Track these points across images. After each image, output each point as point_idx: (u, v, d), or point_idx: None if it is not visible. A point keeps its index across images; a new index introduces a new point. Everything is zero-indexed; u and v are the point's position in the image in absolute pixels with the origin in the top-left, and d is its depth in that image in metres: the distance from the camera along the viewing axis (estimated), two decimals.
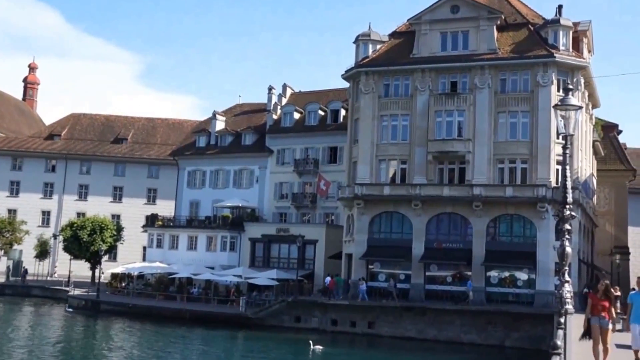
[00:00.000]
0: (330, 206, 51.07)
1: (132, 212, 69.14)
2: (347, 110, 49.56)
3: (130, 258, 61.47)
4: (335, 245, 46.24)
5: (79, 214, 67.58)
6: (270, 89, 57.10)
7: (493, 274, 40.68)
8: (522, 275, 40.28)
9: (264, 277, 45.93)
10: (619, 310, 19.81)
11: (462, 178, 42.03)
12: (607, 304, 12.63)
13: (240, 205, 53.20)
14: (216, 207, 54.79)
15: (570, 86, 14.54)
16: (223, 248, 51.66)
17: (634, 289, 14.97)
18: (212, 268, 50.10)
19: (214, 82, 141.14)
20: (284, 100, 57.31)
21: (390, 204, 42.74)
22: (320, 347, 32.54)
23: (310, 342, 32.51)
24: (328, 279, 42.75)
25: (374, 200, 42.79)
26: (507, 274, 40.54)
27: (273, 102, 56.50)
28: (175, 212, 57.39)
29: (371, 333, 38.75)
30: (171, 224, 55.15)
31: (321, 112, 53.75)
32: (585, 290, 35.05)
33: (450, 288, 41.22)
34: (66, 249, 58.65)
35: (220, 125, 58.83)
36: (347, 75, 46.37)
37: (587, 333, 12.77)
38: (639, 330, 12.48)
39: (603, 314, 12.61)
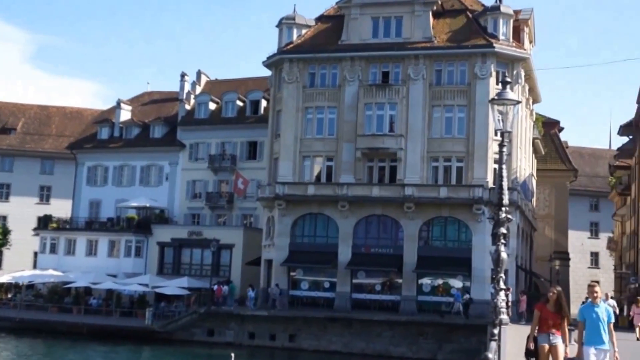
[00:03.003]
0: (249, 207, 50.84)
1: (22, 212, 66.43)
2: (268, 101, 49.37)
3: (19, 265, 59.19)
4: (253, 250, 46.03)
5: None
6: (182, 75, 56.38)
7: (425, 281, 41.34)
8: (457, 283, 41.09)
9: (174, 286, 45.42)
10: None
11: (393, 177, 42.50)
12: (559, 318, 11.20)
13: (147, 205, 52.37)
14: (120, 208, 53.67)
15: (509, 79, 14.87)
16: (127, 253, 50.73)
17: (584, 301, 14.63)
18: (115, 276, 49.10)
19: (119, 66, 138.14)
20: (198, 89, 56.70)
21: (314, 205, 42.80)
22: None
23: (232, 354, 32.10)
24: (215, 286, 42.64)
25: (296, 201, 42.75)
26: (440, 281, 41.28)
27: (186, 91, 55.83)
28: (73, 212, 55.86)
29: (292, 347, 38.70)
30: (67, 227, 53.82)
31: (240, 103, 53.40)
32: (521, 296, 36.15)
33: (379, 297, 41.66)
34: None
35: (125, 115, 57.66)
36: (269, 63, 46.14)
37: (531, 354, 11.39)
38: (593, 356, 10.62)
39: (554, 330, 11.12)
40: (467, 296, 38.46)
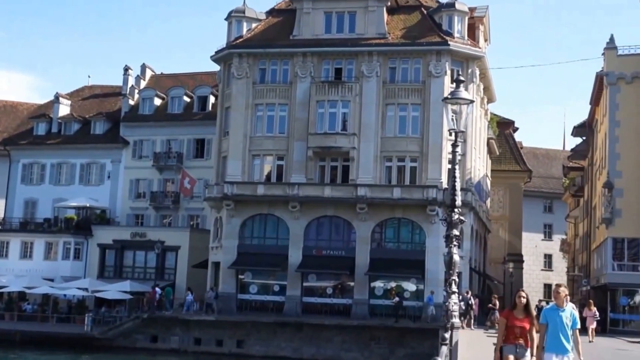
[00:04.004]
0: (196, 207, 50.53)
1: None
2: (216, 97, 49.11)
3: None
4: (200, 252, 45.75)
5: None
6: (126, 69, 55.70)
7: (378, 284, 41.66)
8: (410, 286, 41.52)
9: (115, 290, 44.86)
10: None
11: (345, 177, 42.69)
12: (527, 324, 10.44)
13: (87, 205, 51.67)
14: (58, 208, 52.77)
15: (462, 77, 15.08)
16: (65, 256, 49.93)
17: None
18: (52, 280, 48.32)
19: (58, 58, 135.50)
20: (143, 83, 56.12)
21: (264, 206, 42.75)
22: None
23: None
24: (158, 290, 42.49)
25: (245, 201, 42.63)
26: (393, 284, 41.62)
27: (130, 85, 55.17)
28: (6, 213, 54.61)
29: (240, 353, 38.59)
30: (0, 228, 52.48)
31: (186, 99, 53.06)
32: (470, 300, 36.56)
33: (330, 300, 41.82)
34: None
35: (64, 110, 56.73)
36: (218, 57, 45.90)
37: None
38: None
39: (521, 341, 10.39)
40: (396, 299, 38.92)
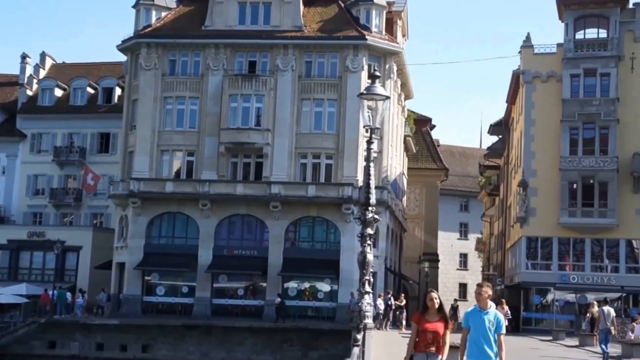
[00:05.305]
0: (100, 205, 49.86)
1: None
2: (123, 89, 48.41)
3: None
4: (104, 252, 45.01)
5: None
6: (23, 57, 54.34)
7: (291, 285, 41.89)
8: (324, 287, 41.92)
9: (9, 294, 43.74)
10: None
11: (258, 174, 42.72)
12: (441, 328, 9.75)
13: None
14: None
15: (379, 73, 15.36)
16: None
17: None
18: None
19: None
20: (43, 73, 54.81)
21: (173, 204, 42.38)
22: None
23: None
24: (54, 292, 41.71)
25: (153, 199, 42.15)
26: (307, 285, 41.95)
27: (27, 75, 53.82)
28: None
29: (146, 358, 38.16)
30: None
31: (90, 90, 52.13)
32: (390, 300, 37.23)
33: (241, 302, 41.87)
34: None
35: None
36: (124, 47, 45.18)
37: None
38: None
39: (433, 348, 9.68)
40: (278, 300, 39.34)
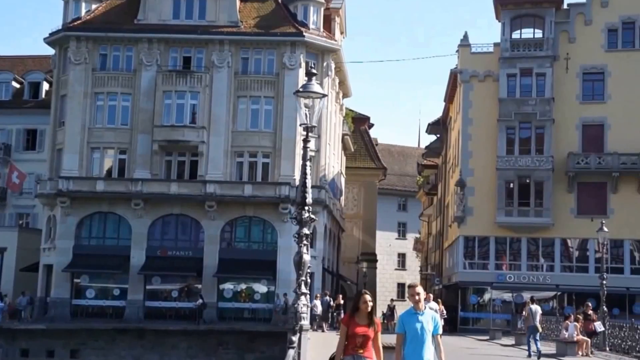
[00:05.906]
0: (25, 205, 48.95)
1: None
2: (51, 84, 47.57)
3: None
4: (30, 254, 44.08)
5: None
6: None
7: (227, 286, 41.70)
8: (261, 288, 41.86)
9: None
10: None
11: (193, 173, 42.46)
12: (371, 332, 9.37)
13: None
14: None
15: (316, 71, 15.33)
16: None
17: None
18: None
19: None
20: None
21: (104, 203, 41.83)
22: None
23: None
24: None
25: (83, 198, 41.53)
26: (243, 286, 41.83)
27: None
28: None
29: None
30: None
31: (16, 85, 51.13)
32: (330, 302, 37.42)
33: (176, 304, 41.49)
34: None
35: None
36: (52, 40, 44.48)
37: None
38: None
39: (362, 351, 9.30)
40: (199, 301, 39.31)
